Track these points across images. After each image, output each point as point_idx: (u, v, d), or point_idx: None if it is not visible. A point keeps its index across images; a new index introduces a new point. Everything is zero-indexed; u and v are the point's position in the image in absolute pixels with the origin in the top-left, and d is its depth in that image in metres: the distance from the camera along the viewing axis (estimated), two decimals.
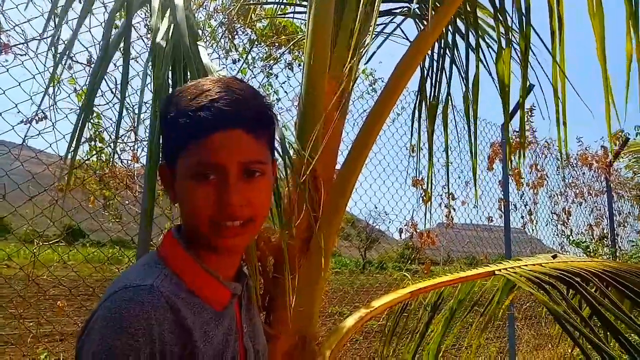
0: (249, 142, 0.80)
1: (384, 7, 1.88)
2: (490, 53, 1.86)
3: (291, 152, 1.40)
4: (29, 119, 2.04)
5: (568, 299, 1.84)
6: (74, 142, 1.13)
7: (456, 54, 1.79)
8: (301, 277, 1.47)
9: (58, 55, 1.26)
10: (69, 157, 1.18)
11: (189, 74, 1.16)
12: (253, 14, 2.56)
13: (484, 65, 1.65)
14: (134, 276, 0.78)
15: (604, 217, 5.86)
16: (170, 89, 1.19)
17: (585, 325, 1.67)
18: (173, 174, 0.85)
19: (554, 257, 2.27)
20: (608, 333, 1.72)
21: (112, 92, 2.06)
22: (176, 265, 0.84)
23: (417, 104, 1.83)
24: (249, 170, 0.81)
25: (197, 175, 0.79)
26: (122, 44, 1.11)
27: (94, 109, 2.18)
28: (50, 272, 2.69)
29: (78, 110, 2.12)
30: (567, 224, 5.47)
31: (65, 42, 1.21)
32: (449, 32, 1.79)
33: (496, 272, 2.02)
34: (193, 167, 0.79)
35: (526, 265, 2.06)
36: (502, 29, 1.57)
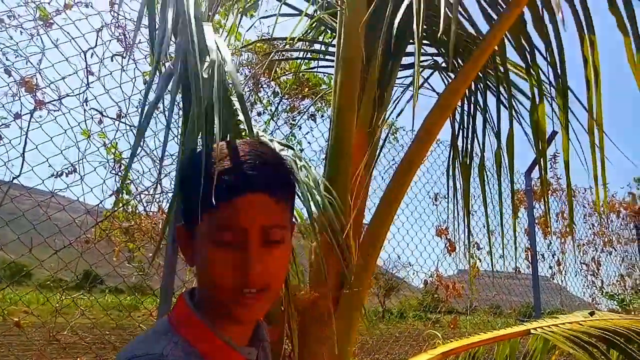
0: (271, 206, 0.78)
1: (410, 60, 1.89)
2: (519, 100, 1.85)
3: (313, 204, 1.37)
4: (59, 173, 2.07)
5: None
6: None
7: (487, 109, 1.78)
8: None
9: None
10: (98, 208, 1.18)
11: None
12: (277, 68, 2.63)
13: (516, 119, 1.63)
14: (143, 345, 0.75)
15: (635, 267, 5.61)
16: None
17: None
18: (191, 237, 0.81)
19: (592, 314, 2.17)
20: None
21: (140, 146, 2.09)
22: (188, 333, 0.79)
23: (450, 159, 1.82)
24: (269, 239, 0.78)
25: (217, 239, 0.76)
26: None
27: (122, 161, 2.22)
28: (70, 325, 2.65)
29: (106, 163, 2.15)
30: (597, 274, 5.25)
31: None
32: (479, 87, 1.80)
33: (532, 331, 1.92)
34: (214, 230, 0.76)
35: (563, 324, 1.96)
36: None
